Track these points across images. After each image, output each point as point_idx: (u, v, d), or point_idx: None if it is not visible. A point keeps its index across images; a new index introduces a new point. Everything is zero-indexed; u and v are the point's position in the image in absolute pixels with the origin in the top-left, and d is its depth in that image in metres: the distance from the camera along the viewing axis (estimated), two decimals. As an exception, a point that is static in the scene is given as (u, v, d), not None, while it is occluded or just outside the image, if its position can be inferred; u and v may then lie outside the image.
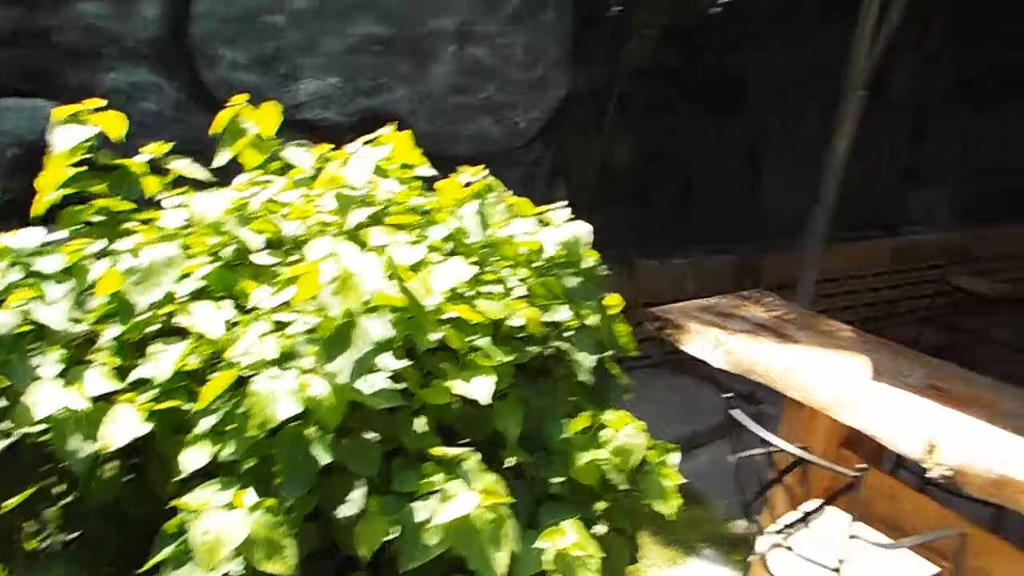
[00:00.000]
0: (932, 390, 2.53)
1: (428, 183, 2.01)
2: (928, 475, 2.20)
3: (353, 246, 1.49)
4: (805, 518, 2.43)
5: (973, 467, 2.15)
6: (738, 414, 2.34)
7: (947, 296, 6.03)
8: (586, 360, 1.76)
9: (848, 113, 4.21)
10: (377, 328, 1.41)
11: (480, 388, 1.54)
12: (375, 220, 1.80)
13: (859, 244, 5.83)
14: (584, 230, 1.89)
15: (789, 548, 2.32)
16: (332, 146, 2.01)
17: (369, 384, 1.43)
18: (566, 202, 2.00)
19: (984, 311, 5.68)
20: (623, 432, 1.68)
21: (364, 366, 1.39)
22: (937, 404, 2.44)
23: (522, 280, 1.83)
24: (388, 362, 1.47)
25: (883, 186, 6.18)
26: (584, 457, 1.64)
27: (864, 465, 2.18)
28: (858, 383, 2.54)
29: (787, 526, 2.43)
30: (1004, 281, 6.02)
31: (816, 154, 4.38)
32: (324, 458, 1.38)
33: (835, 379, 2.55)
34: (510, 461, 1.61)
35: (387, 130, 1.98)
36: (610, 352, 1.93)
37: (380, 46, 3.40)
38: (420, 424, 1.57)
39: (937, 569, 2.37)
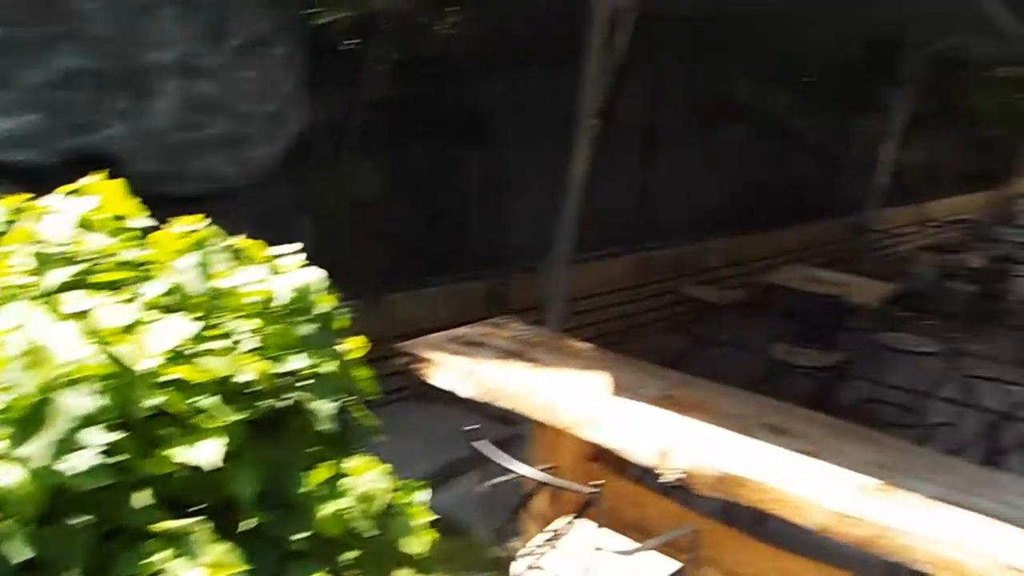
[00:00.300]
0: (666, 400, 2.74)
1: (146, 234, 1.87)
2: (661, 480, 2.37)
3: (45, 313, 1.34)
4: (555, 536, 2.53)
5: (700, 468, 2.34)
6: (480, 445, 2.38)
7: (682, 306, 6.57)
8: (323, 408, 1.70)
9: (583, 139, 4.48)
10: (79, 402, 1.28)
11: (206, 452, 1.44)
12: (80, 279, 1.64)
13: (601, 263, 6.21)
14: (317, 275, 1.84)
15: (540, 568, 2.40)
16: (30, 195, 1.81)
17: (73, 464, 1.29)
18: (310, 238, 1.94)
19: (712, 317, 6.24)
20: (366, 478, 1.65)
21: (66, 445, 1.26)
22: (670, 412, 2.64)
23: (253, 332, 1.74)
24: (96, 437, 1.33)
25: (621, 206, 6.63)
26: (326, 508, 1.59)
27: (601, 481, 2.30)
28: (599, 400, 2.69)
29: (539, 546, 2.51)
30: (732, 288, 6.67)
31: (557, 180, 4.61)
32: (21, 553, 1.22)
33: (577, 398, 2.68)
34: (247, 523, 1.53)
35: (95, 178, 1.82)
36: (353, 397, 1.89)
37: (89, 79, 3.12)
38: (143, 498, 1.44)
39: (680, 564, 2.55)
